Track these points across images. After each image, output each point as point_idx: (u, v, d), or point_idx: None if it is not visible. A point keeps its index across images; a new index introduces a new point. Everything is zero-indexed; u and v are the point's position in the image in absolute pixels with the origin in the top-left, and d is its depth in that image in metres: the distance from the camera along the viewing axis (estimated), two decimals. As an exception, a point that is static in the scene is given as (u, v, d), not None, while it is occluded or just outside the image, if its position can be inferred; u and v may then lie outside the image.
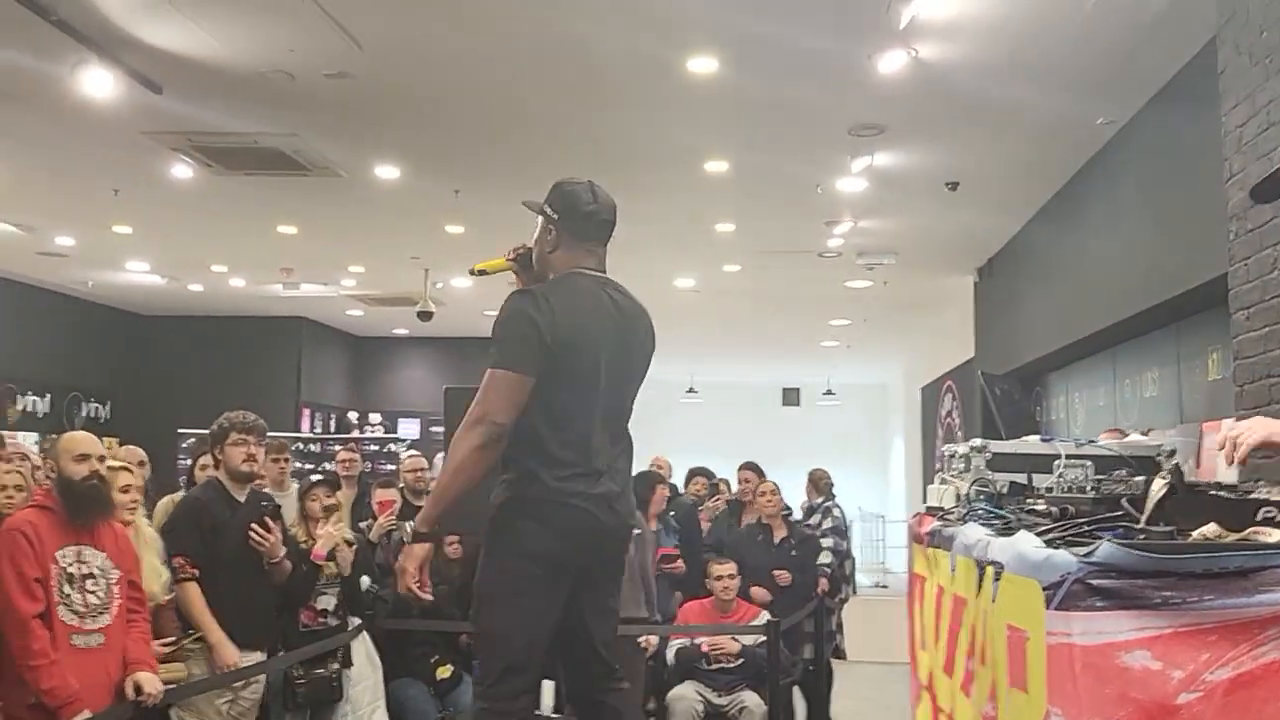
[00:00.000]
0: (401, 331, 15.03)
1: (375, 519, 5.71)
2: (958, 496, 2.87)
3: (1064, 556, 1.67)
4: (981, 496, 2.69)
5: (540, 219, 3.00)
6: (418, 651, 5.61)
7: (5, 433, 7.64)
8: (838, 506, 7.34)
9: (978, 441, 2.87)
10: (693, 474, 7.63)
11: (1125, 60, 5.21)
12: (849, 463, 13.67)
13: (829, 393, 19.44)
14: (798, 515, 7.23)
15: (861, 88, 5.57)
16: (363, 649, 5.09)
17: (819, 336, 14.87)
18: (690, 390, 20.15)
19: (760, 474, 6.67)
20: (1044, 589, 1.68)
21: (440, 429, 14.90)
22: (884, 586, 15.81)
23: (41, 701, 3.21)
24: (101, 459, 3.60)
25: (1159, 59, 5.21)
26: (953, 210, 7.78)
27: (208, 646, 4.08)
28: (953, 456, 3.04)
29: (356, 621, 5.03)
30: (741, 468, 6.81)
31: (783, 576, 6.09)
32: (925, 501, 3.19)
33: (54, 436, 4.02)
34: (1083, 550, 1.66)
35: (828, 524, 7.09)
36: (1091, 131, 6.24)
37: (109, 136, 6.65)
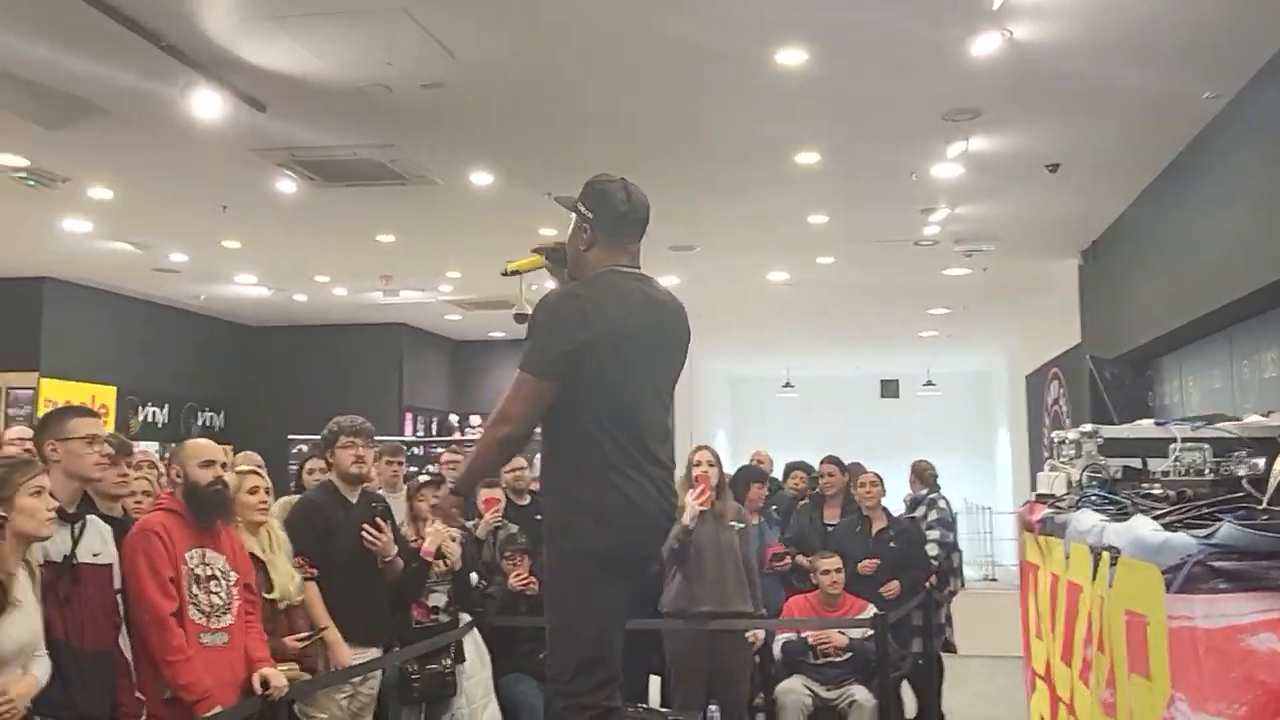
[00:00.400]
0: (498, 334, 15.25)
1: (480, 517, 5.83)
2: (1069, 483, 2.82)
3: (1183, 539, 1.64)
4: (1094, 482, 2.64)
5: (574, 217, 3.05)
6: (526, 648, 5.70)
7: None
8: (943, 498, 7.23)
9: (1089, 427, 2.81)
10: (791, 469, 7.60)
11: (1230, 31, 5.02)
12: (952, 454, 13.43)
13: (929, 383, 19.12)
14: (899, 509, 7.14)
15: (955, 72, 5.48)
16: (473, 645, 5.21)
17: (917, 326, 14.64)
18: (786, 385, 20.03)
19: (843, 467, 6.59)
20: (1163, 573, 1.65)
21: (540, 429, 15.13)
22: (993, 580, 15.48)
23: (177, 696, 3.36)
24: (224, 465, 3.76)
25: (1267, 28, 5.01)
26: (1054, 193, 7.59)
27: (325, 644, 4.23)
28: (1063, 443, 2.99)
29: (467, 618, 5.15)
30: (823, 461, 6.74)
31: (866, 566, 6.00)
32: (1035, 489, 3.13)
33: (174, 445, 4.21)
34: (1203, 532, 1.63)
35: (933, 516, 6.99)
36: (1198, 106, 6.03)
37: (217, 155, 6.90)
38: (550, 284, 3.30)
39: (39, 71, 5.66)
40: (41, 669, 2.88)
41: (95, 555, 3.25)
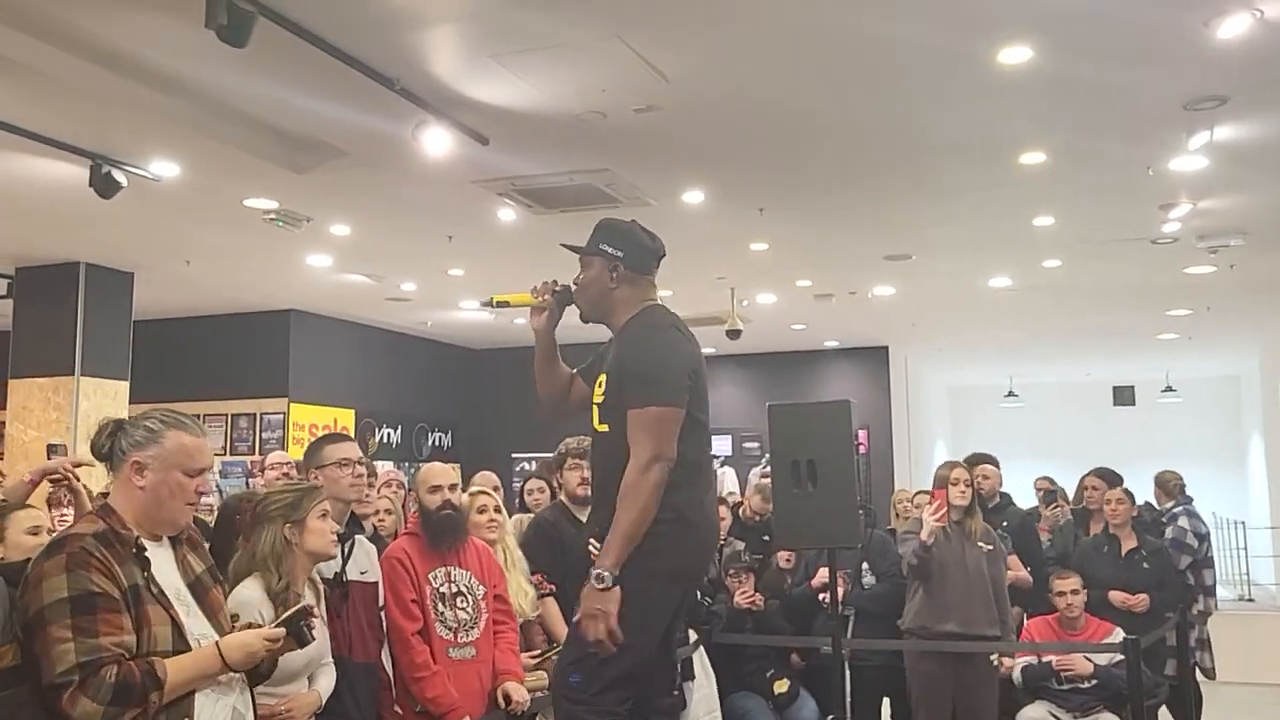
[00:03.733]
0: (710, 350, 15.33)
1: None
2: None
3: None
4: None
5: (596, 259, 3.13)
6: (751, 666, 5.68)
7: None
8: (1193, 512, 6.70)
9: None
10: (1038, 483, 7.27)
11: None
12: (1198, 465, 12.47)
13: (1169, 389, 17.87)
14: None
15: (1198, 58, 5.11)
16: (699, 662, 5.22)
17: (1153, 329, 13.72)
18: (1009, 394, 19.20)
19: (1110, 481, 6.21)
20: None
21: (753, 444, 15.07)
22: (1249, 600, 14.32)
23: (426, 709, 3.52)
24: (453, 487, 3.91)
25: None
26: (1310, 180, 6.97)
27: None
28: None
29: (693, 636, 5.17)
30: (1089, 474, 6.37)
31: (1118, 598, 5.61)
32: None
33: (410, 466, 4.42)
34: None
35: (1169, 535, 6.48)
36: None
37: (443, 188, 7.26)
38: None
39: (288, 120, 6.12)
40: (326, 680, 3.09)
41: (363, 573, 3.46)
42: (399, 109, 5.66)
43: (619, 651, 2.79)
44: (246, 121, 6.13)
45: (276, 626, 2.41)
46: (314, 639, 2.56)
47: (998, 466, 6.47)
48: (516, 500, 6.56)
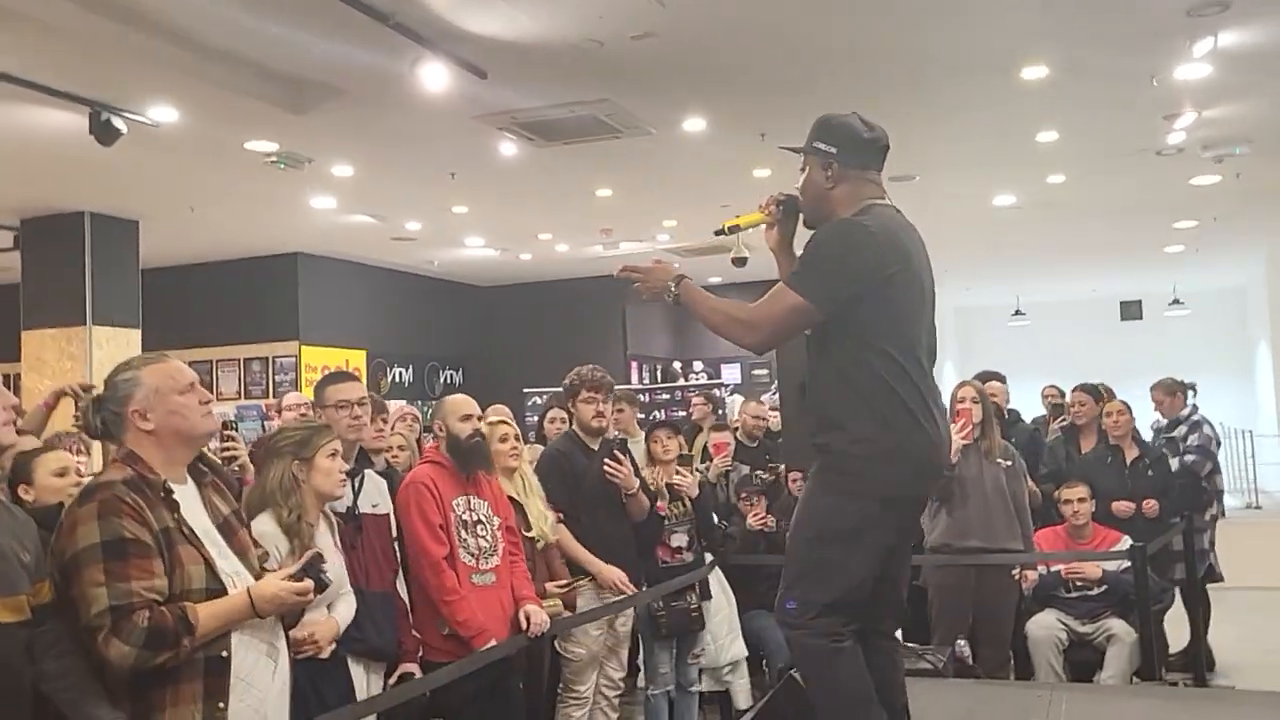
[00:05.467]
0: (716, 279, 15.32)
1: (712, 460, 5.93)
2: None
3: None
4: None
5: (812, 159, 2.93)
6: (766, 585, 5.78)
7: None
8: (1206, 420, 6.69)
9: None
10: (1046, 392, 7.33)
11: None
12: (1207, 376, 12.53)
13: (1176, 302, 17.83)
14: (1147, 435, 6.71)
15: (1200, -38, 5.06)
16: (718, 583, 5.34)
17: (1160, 242, 13.67)
18: (1017, 313, 19.18)
19: (1096, 396, 6.25)
20: None
21: (762, 371, 15.15)
22: (1257, 508, 14.47)
23: (455, 632, 3.62)
24: (480, 417, 3.99)
25: None
26: (1317, 84, 6.90)
27: (594, 579, 4.45)
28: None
29: (710, 558, 5.28)
30: (1075, 389, 6.40)
31: (1120, 508, 5.69)
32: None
33: (421, 404, 4.49)
34: None
35: (1194, 440, 6.49)
36: None
37: (443, 124, 7.23)
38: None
39: (283, 60, 6.09)
40: (345, 608, 3.18)
41: (374, 506, 3.54)
42: (395, 45, 5.64)
43: (831, 576, 2.75)
44: (242, 63, 6.11)
45: (294, 577, 2.46)
46: (329, 582, 2.63)
47: (1005, 383, 6.51)
48: (533, 432, 6.66)
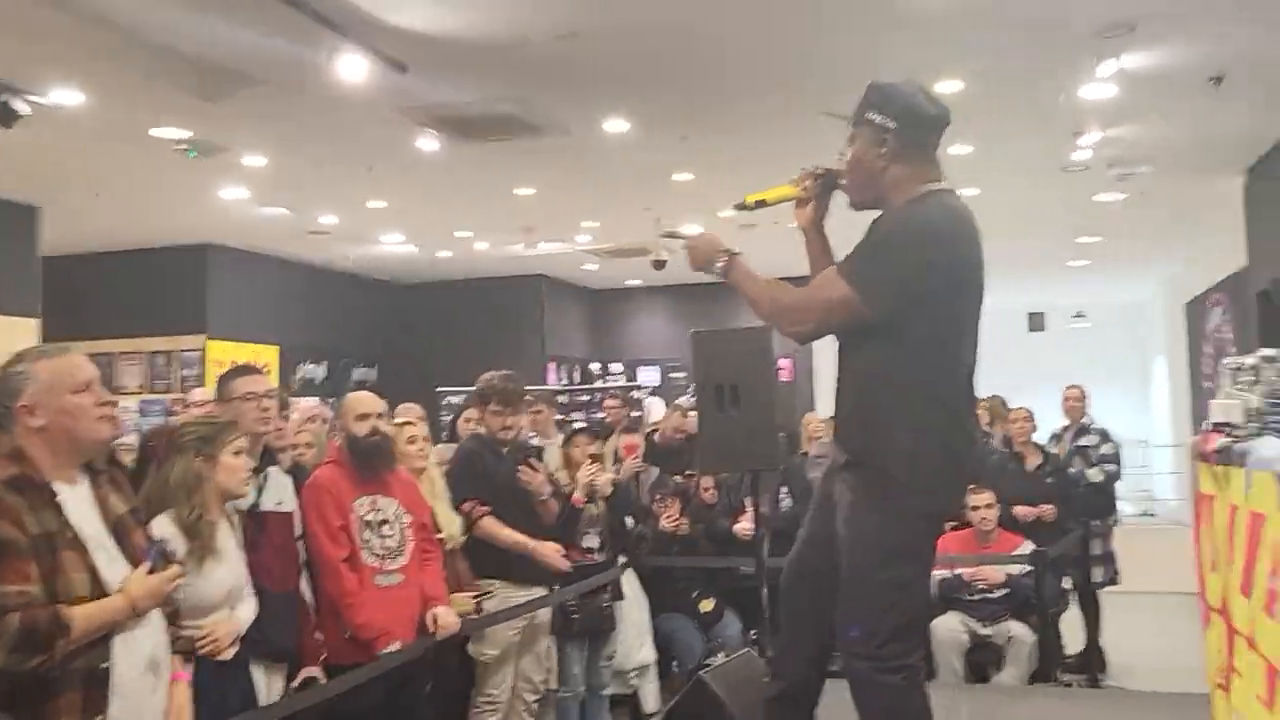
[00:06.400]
0: (635, 282, 15.36)
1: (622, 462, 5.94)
2: (1247, 410, 2.70)
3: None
4: (1277, 408, 2.52)
5: (863, 132, 2.63)
6: (680, 587, 5.82)
7: (293, 399, 8.37)
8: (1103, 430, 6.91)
9: (1270, 351, 2.68)
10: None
11: None
12: (1106, 386, 12.93)
13: (1079, 315, 18.38)
14: (1044, 440, 6.89)
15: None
16: (630, 585, 5.34)
17: (1065, 256, 14.08)
18: (928, 322, 19.56)
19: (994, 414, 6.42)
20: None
21: (680, 374, 15.20)
22: (1150, 515, 14.94)
23: (355, 636, 3.56)
24: (380, 415, 3.92)
25: None
26: (1216, 108, 7.15)
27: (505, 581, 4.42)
28: (1238, 369, 2.86)
29: (622, 559, 5.28)
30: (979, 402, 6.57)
31: (1023, 513, 5.85)
32: (1209, 418, 3.02)
33: (334, 402, 4.41)
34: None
35: (1107, 449, 6.67)
36: (1379, 5, 5.59)
37: (362, 117, 7.11)
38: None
39: (198, 46, 5.92)
40: (247, 610, 3.10)
41: (278, 504, 3.46)
42: (313, 34, 5.52)
43: (898, 598, 2.50)
44: (153, 47, 5.92)
45: (152, 570, 2.41)
46: (174, 553, 2.64)
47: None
48: (446, 432, 6.58)
